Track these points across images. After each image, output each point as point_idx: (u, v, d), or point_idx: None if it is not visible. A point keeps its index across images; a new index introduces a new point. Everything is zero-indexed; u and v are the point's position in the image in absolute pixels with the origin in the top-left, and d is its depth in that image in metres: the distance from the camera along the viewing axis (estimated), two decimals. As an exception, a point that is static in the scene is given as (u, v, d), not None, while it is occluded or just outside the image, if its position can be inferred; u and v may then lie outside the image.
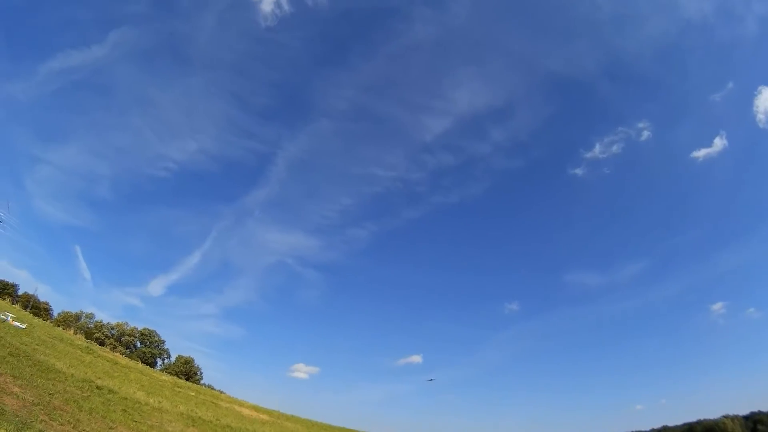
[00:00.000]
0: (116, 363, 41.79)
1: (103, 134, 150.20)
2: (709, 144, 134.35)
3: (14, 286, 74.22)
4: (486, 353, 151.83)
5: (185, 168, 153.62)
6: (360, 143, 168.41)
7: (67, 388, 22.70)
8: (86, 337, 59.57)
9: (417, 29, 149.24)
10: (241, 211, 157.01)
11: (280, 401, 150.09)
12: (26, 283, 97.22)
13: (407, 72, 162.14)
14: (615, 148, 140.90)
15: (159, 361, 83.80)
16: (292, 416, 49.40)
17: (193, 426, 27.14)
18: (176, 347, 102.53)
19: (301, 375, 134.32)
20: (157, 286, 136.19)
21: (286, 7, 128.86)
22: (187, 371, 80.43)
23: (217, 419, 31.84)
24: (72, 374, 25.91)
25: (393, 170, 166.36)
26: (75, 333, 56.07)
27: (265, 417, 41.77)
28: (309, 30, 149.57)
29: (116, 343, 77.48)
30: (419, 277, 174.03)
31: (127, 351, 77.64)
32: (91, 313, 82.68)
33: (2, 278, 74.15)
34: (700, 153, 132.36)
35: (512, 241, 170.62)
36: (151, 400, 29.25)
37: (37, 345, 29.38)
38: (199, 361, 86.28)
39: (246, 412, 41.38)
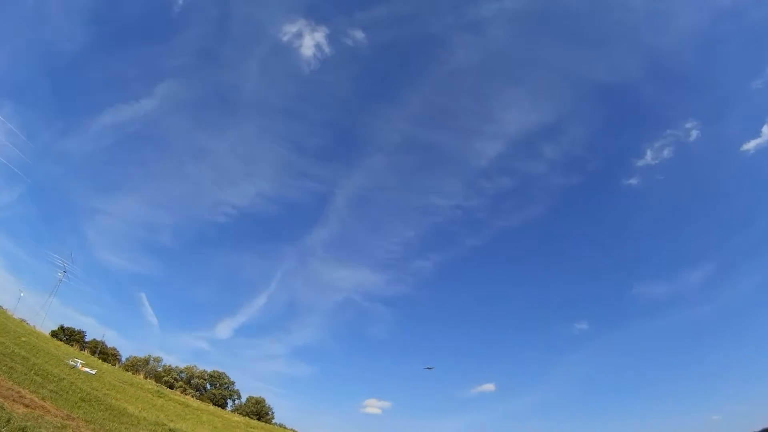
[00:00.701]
0: (187, 405, 40.91)
1: (161, 184, 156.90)
2: (758, 134, 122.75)
3: (82, 333, 75.57)
4: (558, 376, 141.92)
5: (245, 212, 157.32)
6: (417, 174, 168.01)
7: (140, 431, 21.26)
8: (156, 381, 59.23)
9: (459, 55, 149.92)
10: (305, 252, 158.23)
11: None
12: (93, 330, 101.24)
13: (455, 99, 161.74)
14: (666, 153, 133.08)
15: (230, 403, 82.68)
16: None
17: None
18: (246, 388, 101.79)
19: (374, 410, 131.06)
20: (224, 329, 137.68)
21: (326, 49, 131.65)
22: (258, 411, 78.75)
23: None
24: (144, 417, 24.55)
25: (452, 199, 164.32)
26: (145, 377, 55.74)
27: None
28: (353, 68, 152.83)
29: (186, 386, 77.18)
30: (485, 304, 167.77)
31: (197, 393, 77.09)
32: (159, 357, 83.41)
33: (69, 325, 75.86)
34: (750, 144, 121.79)
35: (576, 259, 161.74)
36: None
37: (107, 390, 28.35)
38: (270, 401, 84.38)
39: None
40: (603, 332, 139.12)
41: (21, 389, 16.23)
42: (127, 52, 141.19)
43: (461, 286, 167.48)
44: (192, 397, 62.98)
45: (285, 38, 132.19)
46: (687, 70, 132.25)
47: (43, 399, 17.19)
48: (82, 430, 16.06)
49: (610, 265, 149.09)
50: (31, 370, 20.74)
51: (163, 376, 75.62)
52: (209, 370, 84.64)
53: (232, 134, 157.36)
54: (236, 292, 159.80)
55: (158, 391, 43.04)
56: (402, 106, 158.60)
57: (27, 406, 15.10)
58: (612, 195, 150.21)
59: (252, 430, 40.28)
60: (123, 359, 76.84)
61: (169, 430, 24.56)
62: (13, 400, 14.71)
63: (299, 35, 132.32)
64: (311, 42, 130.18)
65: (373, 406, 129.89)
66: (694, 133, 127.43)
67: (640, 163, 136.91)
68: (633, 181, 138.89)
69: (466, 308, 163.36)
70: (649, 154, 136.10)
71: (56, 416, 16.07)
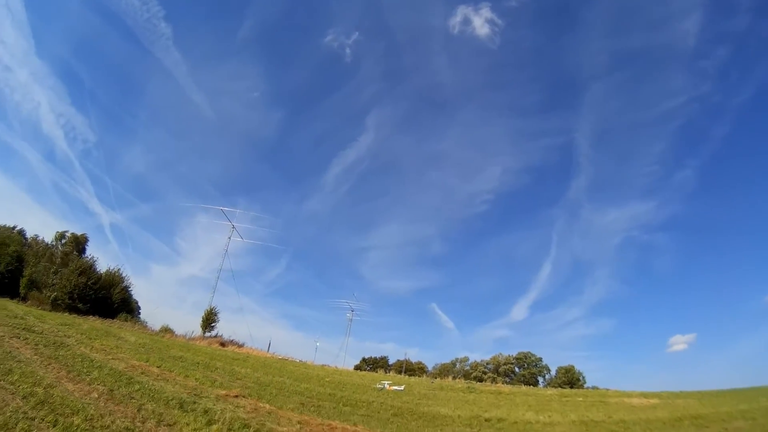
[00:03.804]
0: (500, 393, 40.42)
1: (411, 204, 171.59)
2: None
3: (385, 358, 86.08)
4: None
5: (500, 193, 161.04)
6: (639, 85, 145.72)
7: (456, 429, 20.68)
8: (465, 379, 61.74)
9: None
10: (571, 207, 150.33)
11: (666, 381, 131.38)
12: (395, 353, 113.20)
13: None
14: None
15: (540, 379, 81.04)
16: (681, 392, 41.13)
17: (587, 430, 22.96)
18: (554, 360, 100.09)
19: (680, 347, 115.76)
20: (519, 311, 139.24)
21: (498, 21, 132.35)
22: (570, 380, 74.62)
23: (608, 417, 26.96)
24: (458, 415, 24.23)
25: (681, 94, 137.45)
26: (453, 379, 58.71)
27: (654, 401, 35.37)
28: (528, 20, 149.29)
29: (495, 375, 79.16)
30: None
31: (507, 379, 78.08)
32: (465, 357, 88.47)
33: (371, 355, 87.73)
34: None
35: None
36: (541, 417, 25.46)
37: (418, 400, 29.54)
38: (580, 366, 79.90)
39: (635, 401, 35.61)
40: None
41: (331, 422, 17.21)
42: (322, 109, 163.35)
43: (727, 183, 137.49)
44: (502, 383, 63.44)
45: (456, 30, 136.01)
46: None
47: (354, 425, 18.00)
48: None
49: None
50: (339, 402, 22.48)
51: (471, 373, 79.30)
52: (515, 354, 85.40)
53: (454, 129, 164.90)
54: (520, 270, 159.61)
55: (468, 387, 43.95)
56: (589, 26, 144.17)
57: (338, 435, 15.89)
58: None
59: (565, 399, 37.17)
60: (430, 369, 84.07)
61: (485, 420, 23.68)
62: (325, 433, 15.62)
63: (467, 21, 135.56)
64: (481, 21, 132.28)
65: (679, 343, 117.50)
66: None
67: None
68: None
69: (742, 205, 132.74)
70: None
71: (367, 437, 16.53)
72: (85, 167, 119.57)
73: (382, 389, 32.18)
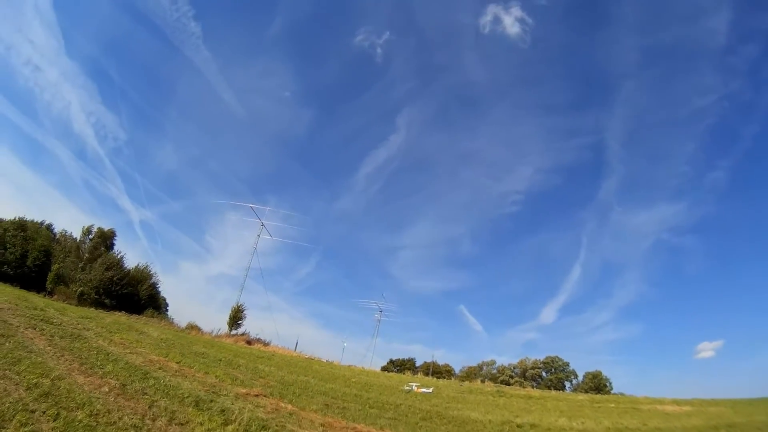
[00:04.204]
0: (530, 397, 38.86)
1: (443, 200, 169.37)
2: None
3: (412, 360, 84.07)
4: None
5: (531, 193, 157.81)
6: (671, 81, 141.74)
7: None
8: (492, 383, 59.84)
9: None
10: (601, 208, 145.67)
11: (693, 388, 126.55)
12: (422, 354, 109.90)
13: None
14: None
15: (567, 384, 78.42)
16: (713, 400, 40.07)
17: (623, 439, 21.70)
18: (581, 365, 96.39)
19: (708, 354, 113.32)
20: (548, 314, 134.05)
21: (528, 19, 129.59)
22: (596, 385, 71.86)
23: (643, 424, 26.01)
24: (489, 420, 22.74)
25: (712, 92, 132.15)
26: (481, 382, 57.01)
27: (687, 408, 34.23)
28: (558, 15, 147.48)
29: (522, 380, 76.93)
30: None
31: (534, 384, 75.69)
32: (492, 360, 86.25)
33: (398, 357, 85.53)
34: None
35: None
36: (574, 424, 24.02)
37: (447, 403, 28.20)
38: (607, 371, 77.30)
39: (668, 408, 34.35)
40: None
41: (356, 425, 16.02)
42: (353, 108, 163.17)
43: (758, 185, 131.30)
44: (530, 388, 61.27)
45: (486, 30, 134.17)
46: None
47: (381, 428, 16.77)
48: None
49: None
50: (365, 404, 21.30)
51: (498, 377, 77.11)
52: (542, 358, 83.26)
53: (485, 128, 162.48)
54: (549, 273, 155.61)
55: (498, 391, 42.38)
56: (619, 23, 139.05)
57: (364, 439, 14.70)
58: None
59: (597, 405, 35.66)
60: (457, 372, 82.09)
61: (517, 426, 22.13)
62: (350, 437, 14.46)
63: (497, 20, 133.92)
64: (511, 20, 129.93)
65: (706, 350, 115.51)
66: None
67: None
68: None
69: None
70: None
71: (395, 442, 15.31)
72: (115, 165, 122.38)
73: (409, 391, 30.86)
